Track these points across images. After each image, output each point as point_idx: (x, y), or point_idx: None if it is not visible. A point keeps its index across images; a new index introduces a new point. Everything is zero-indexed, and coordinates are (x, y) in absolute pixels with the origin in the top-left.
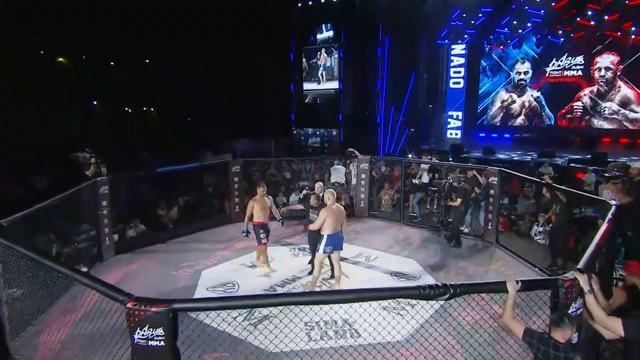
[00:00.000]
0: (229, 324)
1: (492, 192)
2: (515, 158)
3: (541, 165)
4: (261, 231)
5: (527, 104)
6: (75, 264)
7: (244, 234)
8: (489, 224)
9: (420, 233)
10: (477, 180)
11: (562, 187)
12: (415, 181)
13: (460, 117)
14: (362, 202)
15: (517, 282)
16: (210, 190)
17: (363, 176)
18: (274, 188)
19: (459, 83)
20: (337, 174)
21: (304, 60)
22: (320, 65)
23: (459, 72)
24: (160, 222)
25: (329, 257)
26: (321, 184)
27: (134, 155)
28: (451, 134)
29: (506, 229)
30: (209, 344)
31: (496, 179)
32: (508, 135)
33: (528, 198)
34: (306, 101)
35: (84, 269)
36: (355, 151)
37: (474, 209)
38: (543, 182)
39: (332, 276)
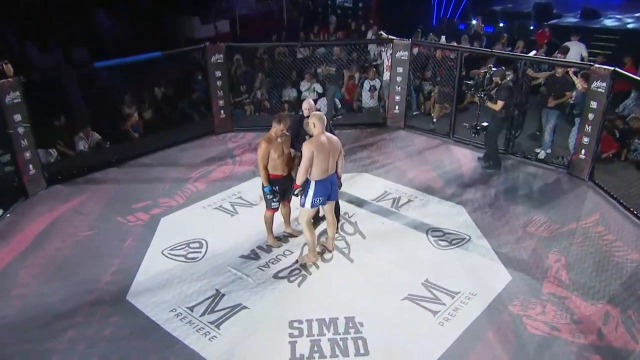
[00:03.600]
0: (180, 319)
1: (593, 104)
2: (630, 25)
3: None
4: (275, 188)
5: None
6: None
7: (270, 195)
8: (582, 150)
9: (476, 158)
10: (566, 82)
11: None
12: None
13: None
14: (397, 107)
15: None
16: (199, 78)
17: (400, 70)
18: (282, 76)
19: None
20: None
21: None
22: None
23: None
24: (122, 128)
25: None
26: (312, 103)
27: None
28: None
29: (607, 147)
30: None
31: (604, 84)
32: None
33: None
34: None
35: None
36: (384, 32)
37: (556, 124)
38: None
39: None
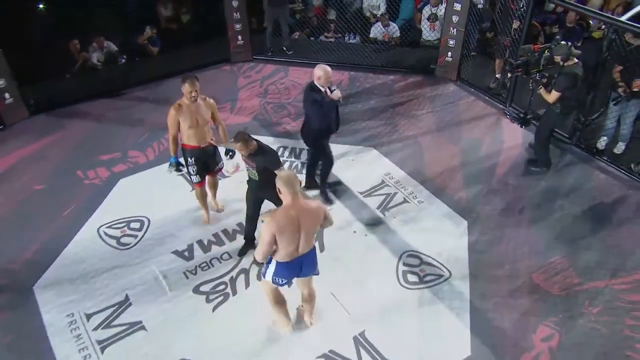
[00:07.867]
0: (71, 329)
1: None
2: None
3: None
4: (191, 160)
5: None
6: None
7: (172, 168)
8: None
9: (527, 144)
10: None
11: None
12: None
13: None
14: (450, 53)
15: None
16: None
17: (457, 6)
18: None
19: None
20: None
21: None
22: None
23: None
24: (139, 42)
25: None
26: (327, 69)
27: None
28: None
29: None
30: None
31: None
32: None
33: None
34: None
35: None
36: None
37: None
38: None
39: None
